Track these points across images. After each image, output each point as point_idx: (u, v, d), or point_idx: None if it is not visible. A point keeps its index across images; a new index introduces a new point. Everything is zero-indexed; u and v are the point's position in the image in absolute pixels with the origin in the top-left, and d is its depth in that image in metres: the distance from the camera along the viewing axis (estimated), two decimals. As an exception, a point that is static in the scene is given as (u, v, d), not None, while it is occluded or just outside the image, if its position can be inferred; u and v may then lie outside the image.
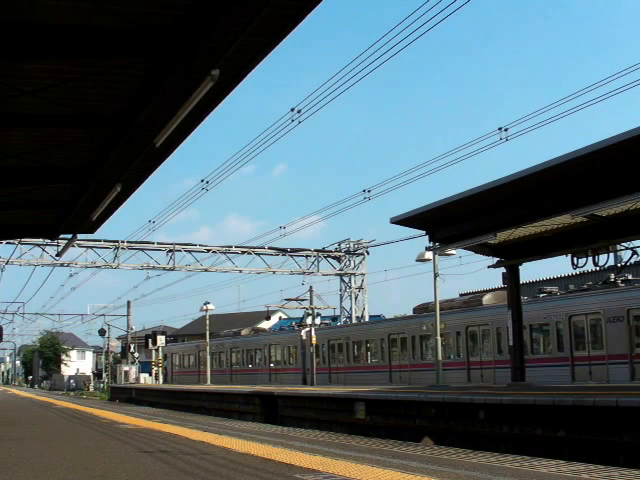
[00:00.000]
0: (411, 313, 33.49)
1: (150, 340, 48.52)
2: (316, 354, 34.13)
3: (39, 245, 36.23)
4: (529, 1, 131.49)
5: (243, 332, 47.26)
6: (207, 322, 43.14)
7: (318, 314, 38.03)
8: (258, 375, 42.06)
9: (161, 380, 50.63)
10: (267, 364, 41.90)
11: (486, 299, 28.68)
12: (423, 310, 30.92)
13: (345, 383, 33.35)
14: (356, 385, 28.96)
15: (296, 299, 38.08)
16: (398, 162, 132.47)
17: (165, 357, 54.67)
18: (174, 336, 71.67)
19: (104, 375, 62.47)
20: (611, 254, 20.36)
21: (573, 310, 23.74)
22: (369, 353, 34.37)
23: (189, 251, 39.75)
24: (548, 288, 27.89)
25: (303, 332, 36.53)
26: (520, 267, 21.27)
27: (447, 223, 20.06)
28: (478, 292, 33.32)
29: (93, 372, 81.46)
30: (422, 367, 29.23)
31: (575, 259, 19.21)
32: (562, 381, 22.93)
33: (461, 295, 37.63)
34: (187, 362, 53.15)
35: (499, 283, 32.43)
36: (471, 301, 29.76)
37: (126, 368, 55.52)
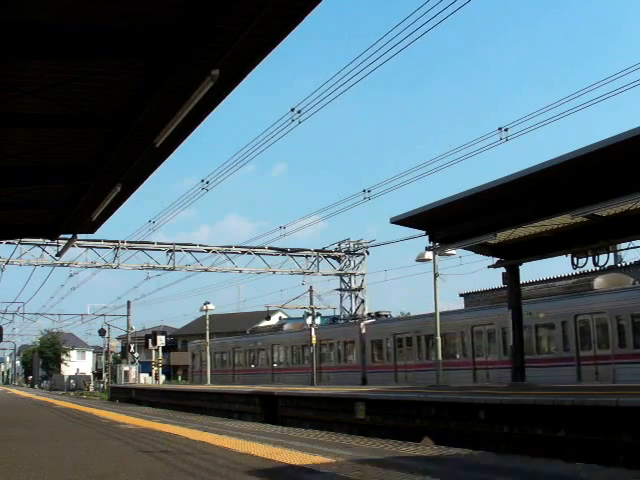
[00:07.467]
0: (410, 313, 32.84)
1: (150, 340, 48.52)
2: (378, 350, 32.03)
3: (39, 245, 36.15)
4: (530, 1, 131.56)
5: (285, 327, 43.77)
6: (207, 322, 43.16)
7: (318, 314, 37.91)
8: (304, 374, 36.69)
9: (161, 380, 50.48)
10: (317, 362, 36.06)
11: (598, 283, 24.67)
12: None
13: (415, 383, 28.10)
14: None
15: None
16: (398, 162, 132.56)
17: (193, 356, 51.23)
18: (174, 336, 71.69)
19: (104, 375, 62.42)
20: (611, 254, 20.32)
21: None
22: (446, 348, 28.63)
23: (189, 251, 39.71)
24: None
25: (362, 325, 33.10)
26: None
27: (447, 223, 20.06)
28: (587, 273, 25.78)
29: (93, 372, 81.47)
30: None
31: (575, 259, 19.22)
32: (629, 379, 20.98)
33: (460, 295, 37.53)
34: (222, 360, 48.38)
35: (499, 283, 31.79)
36: (577, 286, 25.55)
37: (126, 368, 55.54)
